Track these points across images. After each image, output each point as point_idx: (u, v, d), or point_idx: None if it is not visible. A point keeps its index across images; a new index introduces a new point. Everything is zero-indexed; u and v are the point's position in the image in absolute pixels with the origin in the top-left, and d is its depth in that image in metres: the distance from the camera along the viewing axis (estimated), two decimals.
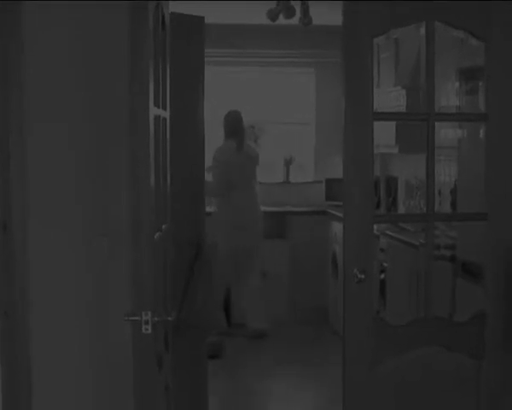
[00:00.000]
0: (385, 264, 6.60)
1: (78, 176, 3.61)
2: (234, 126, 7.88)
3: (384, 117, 5.41)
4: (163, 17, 3.28)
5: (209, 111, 6.99)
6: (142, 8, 2.78)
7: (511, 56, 3.87)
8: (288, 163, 9.36)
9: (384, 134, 6.86)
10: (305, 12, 6.65)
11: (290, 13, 6.59)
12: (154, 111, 2.89)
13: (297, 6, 6.57)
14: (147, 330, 2.78)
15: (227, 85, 9.16)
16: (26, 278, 3.53)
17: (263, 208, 8.56)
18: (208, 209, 6.42)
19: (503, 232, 3.94)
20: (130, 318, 2.79)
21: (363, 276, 3.79)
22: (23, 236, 3.52)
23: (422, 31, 3.92)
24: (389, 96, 7.16)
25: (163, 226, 3.27)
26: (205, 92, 4.83)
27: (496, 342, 3.97)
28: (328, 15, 6.05)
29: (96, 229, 3.62)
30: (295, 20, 6.78)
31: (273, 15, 6.65)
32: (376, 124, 3.79)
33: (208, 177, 7.09)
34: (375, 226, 6.09)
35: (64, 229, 3.61)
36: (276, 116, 9.36)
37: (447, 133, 5.71)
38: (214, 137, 7.92)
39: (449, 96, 5.84)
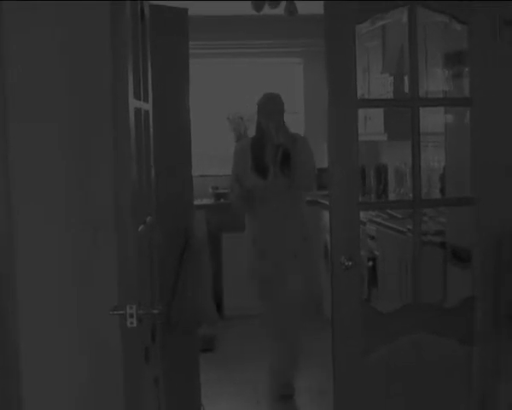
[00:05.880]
0: (376, 252, 6.60)
1: (62, 170, 3.58)
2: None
3: (368, 104, 5.40)
4: (142, 9, 3.26)
5: (196, 104, 7.00)
6: (119, 1, 2.77)
7: (494, 40, 3.87)
8: None
9: (373, 122, 6.87)
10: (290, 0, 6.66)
11: (275, 3, 6.58)
12: (134, 103, 2.87)
13: None
14: (132, 323, 2.75)
15: (214, 78, 9.12)
16: (12, 273, 3.51)
17: None
18: None
19: (490, 217, 3.94)
20: (116, 312, 2.78)
21: (350, 263, 3.79)
22: (8, 230, 3.49)
23: (406, 17, 3.90)
24: (377, 83, 7.15)
25: (147, 219, 3.26)
26: (191, 85, 4.82)
27: (485, 327, 3.97)
28: (314, 4, 6.02)
29: (81, 222, 3.61)
30: (281, 10, 6.77)
31: (258, 6, 6.65)
32: (364, 111, 3.78)
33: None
34: (363, 214, 6.12)
35: (49, 224, 3.59)
36: None
37: (435, 119, 5.70)
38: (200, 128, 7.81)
39: (437, 81, 5.83)
